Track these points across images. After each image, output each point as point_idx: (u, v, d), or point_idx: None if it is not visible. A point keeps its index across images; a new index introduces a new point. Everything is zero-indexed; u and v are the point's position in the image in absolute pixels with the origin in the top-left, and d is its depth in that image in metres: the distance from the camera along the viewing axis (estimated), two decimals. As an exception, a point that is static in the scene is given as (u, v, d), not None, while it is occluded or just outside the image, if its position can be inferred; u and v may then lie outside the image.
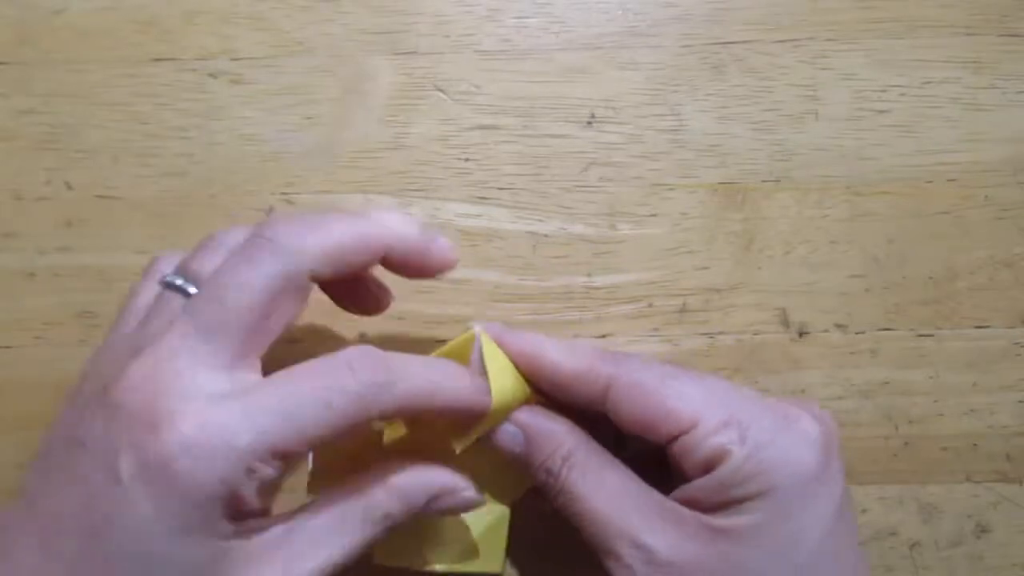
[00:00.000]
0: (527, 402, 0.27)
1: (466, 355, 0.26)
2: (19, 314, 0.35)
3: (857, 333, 0.34)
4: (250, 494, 0.22)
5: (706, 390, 0.26)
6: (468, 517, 0.29)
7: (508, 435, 0.27)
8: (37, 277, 0.35)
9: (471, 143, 0.35)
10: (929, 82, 0.35)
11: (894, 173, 0.35)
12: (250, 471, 0.21)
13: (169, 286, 0.25)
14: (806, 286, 0.35)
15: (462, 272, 0.35)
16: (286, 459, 0.22)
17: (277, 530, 0.23)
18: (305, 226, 0.24)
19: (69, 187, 0.35)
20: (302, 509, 0.24)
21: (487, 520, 0.29)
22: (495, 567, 0.29)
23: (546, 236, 0.35)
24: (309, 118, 0.35)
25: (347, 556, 0.24)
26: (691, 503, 0.25)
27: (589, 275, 0.35)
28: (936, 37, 0.35)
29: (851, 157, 0.35)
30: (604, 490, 0.26)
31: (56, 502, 0.21)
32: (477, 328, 0.27)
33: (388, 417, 0.23)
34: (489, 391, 0.25)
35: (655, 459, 0.27)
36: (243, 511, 0.22)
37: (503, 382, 0.26)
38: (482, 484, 0.27)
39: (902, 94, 0.35)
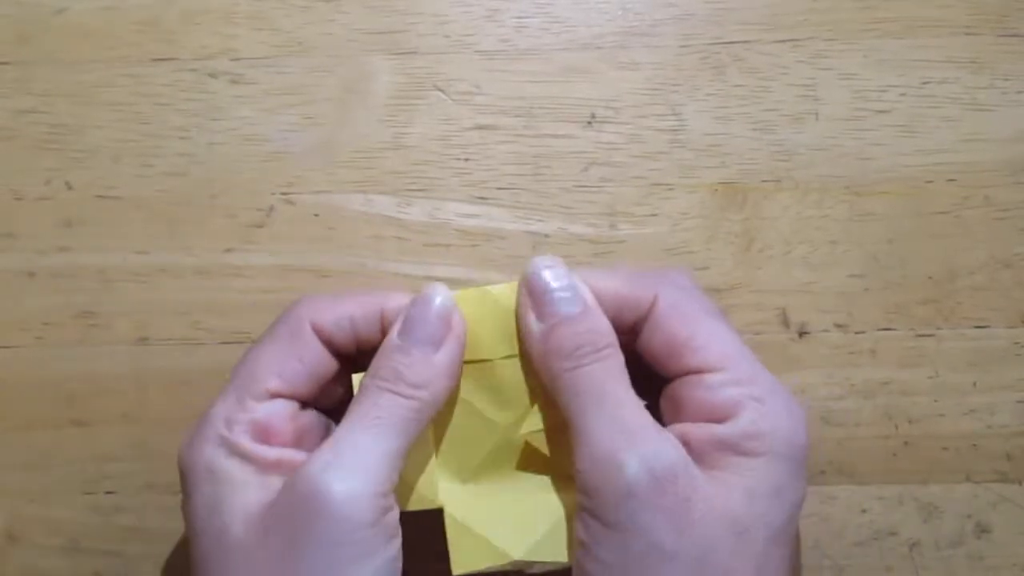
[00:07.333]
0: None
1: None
2: (19, 314, 0.35)
3: (857, 333, 0.34)
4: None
5: (737, 340, 0.27)
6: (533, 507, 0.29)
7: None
8: (37, 277, 0.35)
9: (471, 143, 0.35)
10: (929, 82, 0.35)
11: (894, 173, 0.35)
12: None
13: None
14: (806, 286, 0.35)
15: (462, 272, 0.35)
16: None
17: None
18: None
19: (69, 187, 0.35)
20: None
21: (549, 509, 0.29)
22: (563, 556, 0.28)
23: (546, 236, 0.35)
24: (309, 118, 0.35)
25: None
26: (682, 439, 0.25)
27: (589, 275, 0.35)
28: (935, 37, 0.35)
29: (851, 157, 0.35)
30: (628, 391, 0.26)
31: None
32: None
33: None
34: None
35: None
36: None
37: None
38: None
39: (902, 94, 0.35)
